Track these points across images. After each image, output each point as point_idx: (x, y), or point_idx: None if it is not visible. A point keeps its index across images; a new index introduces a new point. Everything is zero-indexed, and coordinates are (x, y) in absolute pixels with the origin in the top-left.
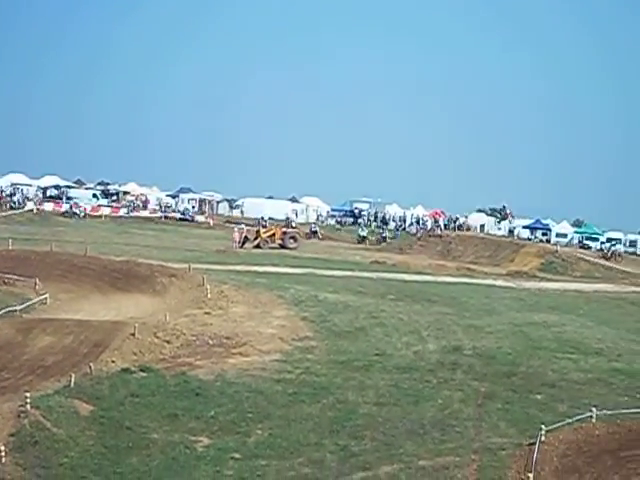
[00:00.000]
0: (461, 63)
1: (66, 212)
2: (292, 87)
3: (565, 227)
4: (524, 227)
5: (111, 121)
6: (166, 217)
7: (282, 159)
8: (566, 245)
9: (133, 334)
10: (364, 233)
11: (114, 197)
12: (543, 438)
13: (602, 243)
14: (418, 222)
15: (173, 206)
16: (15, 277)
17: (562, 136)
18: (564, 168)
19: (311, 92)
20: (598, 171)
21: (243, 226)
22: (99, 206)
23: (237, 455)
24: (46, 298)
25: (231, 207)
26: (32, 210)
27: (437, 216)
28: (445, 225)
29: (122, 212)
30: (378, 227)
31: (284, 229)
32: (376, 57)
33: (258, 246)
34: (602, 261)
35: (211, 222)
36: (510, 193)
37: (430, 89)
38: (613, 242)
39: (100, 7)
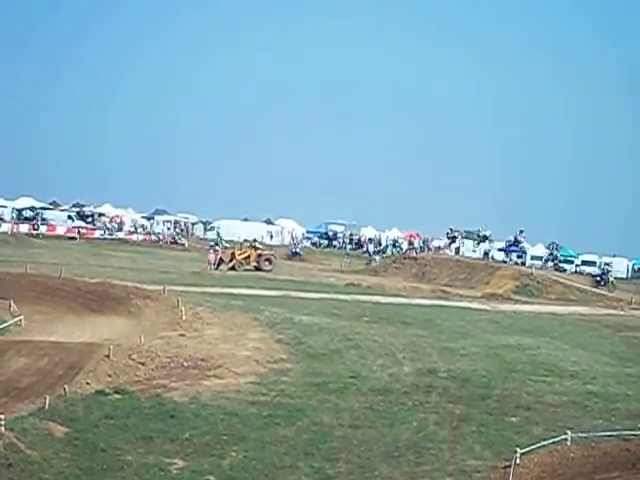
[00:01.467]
0: (434, 81)
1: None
2: (265, 108)
3: (540, 249)
4: (499, 250)
5: (84, 142)
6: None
7: (257, 181)
8: (541, 268)
9: (108, 356)
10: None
11: (89, 219)
12: (518, 461)
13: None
14: (394, 245)
15: (148, 228)
16: None
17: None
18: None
19: (284, 114)
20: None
21: (218, 247)
22: (74, 227)
23: (212, 478)
24: (21, 320)
25: (206, 229)
26: (7, 232)
27: (412, 238)
28: (421, 247)
29: (97, 234)
30: (353, 250)
31: (259, 251)
32: (351, 73)
33: (233, 268)
34: (577, 284)
35: (186, 244)
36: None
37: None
38: (607, 269)
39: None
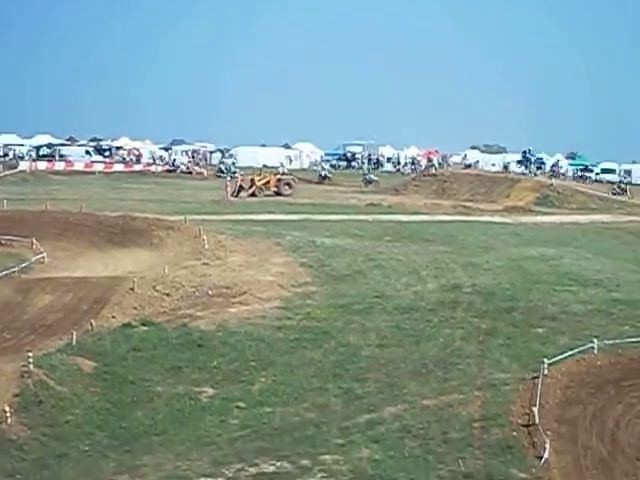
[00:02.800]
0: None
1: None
2: (280, 34)
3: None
4: (518, 162)
5: (100, 76)
6: (170, 171)
7: (274, 106)
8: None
9: (132, 289)
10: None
11: (107, 153)
12: (546, 371)
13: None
14: (413, 162)
15: (167, 158)
16: (11, 237)
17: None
18: (554, 100)
19: (298, 38)
20: (588, 101)
21: (237, 175)
22: (92, 162)
23: (241, 404)
24: (43, 257)
25: (224, 156)
26: (25, 170)
27: (431, 155)
28: (439, 164)
29: (116, 168)
30: (373, 169)
31: (278, 176)
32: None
33: (253, 194)
34: (598, 192)
35: (205, 173)
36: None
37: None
38: (624, 177)
39: None
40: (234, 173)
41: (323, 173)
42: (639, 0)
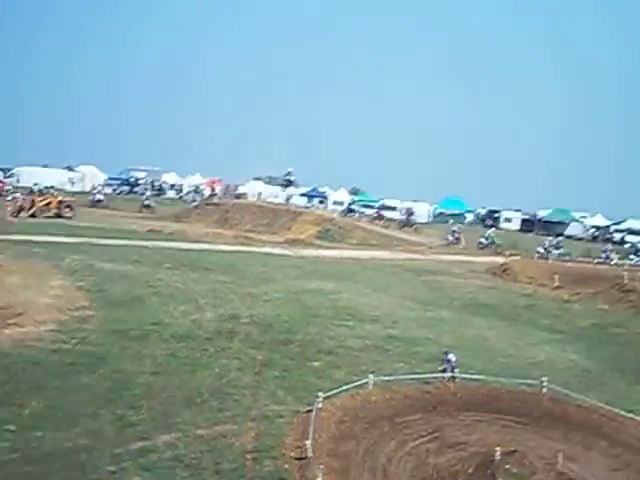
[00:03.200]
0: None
1: None
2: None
3: (342, 195)
4: (301, 195)
5: None
6: None
7: (57, 126)
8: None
9: None
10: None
11: None
12: (320, 405)
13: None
14: (196, 191)
15: None
16: None
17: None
18: (336, 138)
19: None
20: (368, 141)
21: (19, 195)
22: None
23: (12, 427)
24: None
25: (5, 176)
26: None
27: (214, 184)
28: (223, 193)
29: None
30: (155, 196)
31: (59, 198)
32: None
33: (33, 215)
34: (378, 229)
35: None
36: (287, 163)
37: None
38: (411, 213)
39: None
40: (14, 193)
41: (96, 197)
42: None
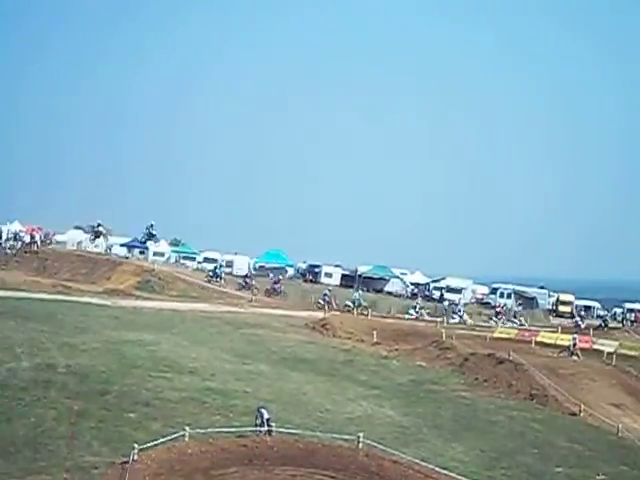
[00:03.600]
0: None
1: None
2: None
3: (163, 246)
4: (121, 245)
5: None
6: None
7: None
8: (164, 264)
9: None
10: None
11: None
12: (136, 457)
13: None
14: (15, 238)
15: None
16: None
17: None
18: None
19: None
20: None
21: None
22: None
23: None
24: None
25: None
26: None
27: (34, 232)
28: (42, 241)
29: None
30: None
31: None
32: None
33: None
34: (199, 281)
35: None
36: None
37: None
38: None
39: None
40: None
41: None
42: None
